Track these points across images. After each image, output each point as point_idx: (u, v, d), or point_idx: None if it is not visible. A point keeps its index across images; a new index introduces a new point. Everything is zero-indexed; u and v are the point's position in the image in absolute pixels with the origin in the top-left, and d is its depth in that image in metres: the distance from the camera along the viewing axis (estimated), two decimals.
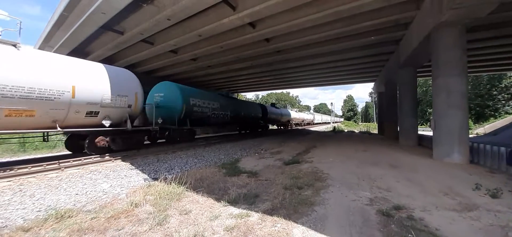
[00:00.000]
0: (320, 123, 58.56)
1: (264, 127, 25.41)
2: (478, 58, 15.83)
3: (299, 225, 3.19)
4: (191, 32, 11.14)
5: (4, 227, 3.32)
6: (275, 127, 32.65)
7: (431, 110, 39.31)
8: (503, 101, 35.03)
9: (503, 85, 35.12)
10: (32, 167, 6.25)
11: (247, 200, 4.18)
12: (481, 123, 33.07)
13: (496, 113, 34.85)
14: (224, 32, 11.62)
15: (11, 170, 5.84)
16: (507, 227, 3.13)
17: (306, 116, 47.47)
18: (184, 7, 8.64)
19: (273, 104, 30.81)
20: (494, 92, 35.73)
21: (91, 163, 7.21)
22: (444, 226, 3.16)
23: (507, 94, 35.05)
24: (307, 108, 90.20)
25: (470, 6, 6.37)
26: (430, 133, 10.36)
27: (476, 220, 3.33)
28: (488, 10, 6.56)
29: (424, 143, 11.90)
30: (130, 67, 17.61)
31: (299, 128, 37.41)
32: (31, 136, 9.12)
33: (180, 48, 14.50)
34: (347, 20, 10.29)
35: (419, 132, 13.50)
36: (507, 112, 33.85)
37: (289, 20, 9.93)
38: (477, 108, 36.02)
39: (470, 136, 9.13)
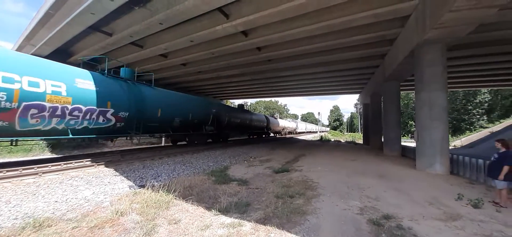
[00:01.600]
0: (304, 132, 54.07)
1: (218, 136, 17.15)
2: (455, 75, 16.82)
3: (293, 235, 3.16)
4: (182, 37, 11.03)
5: None
6: (241, 136, 25.65)
7: (412, 122, 41.18)
8: (478, 116, 37.27)
9: (477, 100, 37.44)
10: (7, 171, 5.82)
11: (239, 209, 4.10)
12: (458, 135, 34.93)
13: (472, 127, 36.97)
14: (216, 39, 11.61)
15: None
16: (491, 236, 3.26)
17: (287, 124, 39.99)
18: (178, 13, 8.57)
19: (241, 107, 25.48)
20: (469, 107, 37.96)
21: (72, 168, 6.83)
22: (432, 235, 3.25)
23: (481, 109, 37.34)
24: (295, 117, 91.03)
25: (451, 27, 6.79)
26: (412, 144, 10.79)
27: (461, 229, 3.45)
28: (468, 30, 7.01)
29: (407, 154, 12.33)
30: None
31: (287, 136, 37.47)
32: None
33: (170, 53, 14.30)
34: (339, 33, 10.62)
35: (402, 143, 13.99)
36: (481, 126, 36.00)
37: (283, 30, 10.10)
38: (454, 122, 38.02)
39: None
